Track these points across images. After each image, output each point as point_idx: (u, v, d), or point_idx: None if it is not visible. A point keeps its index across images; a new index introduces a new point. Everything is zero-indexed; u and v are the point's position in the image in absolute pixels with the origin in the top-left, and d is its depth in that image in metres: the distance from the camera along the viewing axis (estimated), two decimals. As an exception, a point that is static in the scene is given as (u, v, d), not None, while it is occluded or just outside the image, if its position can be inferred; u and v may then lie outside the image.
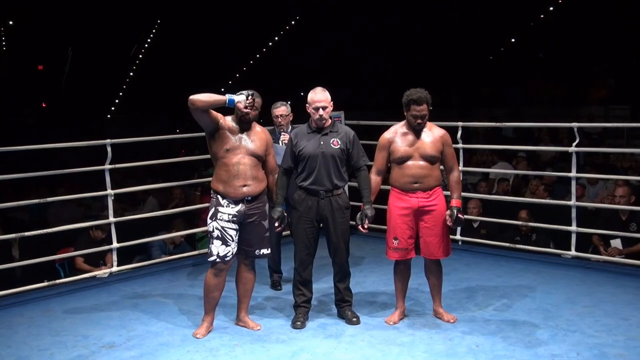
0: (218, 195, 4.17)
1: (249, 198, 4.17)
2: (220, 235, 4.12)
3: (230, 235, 4.14)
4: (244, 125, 4.17)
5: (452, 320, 4.37)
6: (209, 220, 4.19)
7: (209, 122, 4.10)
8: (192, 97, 3.97)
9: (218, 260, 4.14)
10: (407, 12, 17.77)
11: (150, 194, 8.68)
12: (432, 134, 4.27)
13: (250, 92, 4.09)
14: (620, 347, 3.91)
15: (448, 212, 4.26)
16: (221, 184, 4.15)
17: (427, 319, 4.45)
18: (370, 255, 6.02)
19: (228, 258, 4.15)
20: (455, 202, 4.26)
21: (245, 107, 4.08)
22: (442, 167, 4.36)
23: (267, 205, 4.30)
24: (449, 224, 4.26)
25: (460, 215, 4.24)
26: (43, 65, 22.12)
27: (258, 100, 4.17)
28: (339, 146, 4.31)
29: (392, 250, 4.33)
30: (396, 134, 4.30)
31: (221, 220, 4.13)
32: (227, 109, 4.15)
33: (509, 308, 4.61)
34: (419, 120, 4.21)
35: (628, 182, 6.50)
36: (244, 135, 4.16)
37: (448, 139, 4.33)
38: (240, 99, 4.07)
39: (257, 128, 4.26)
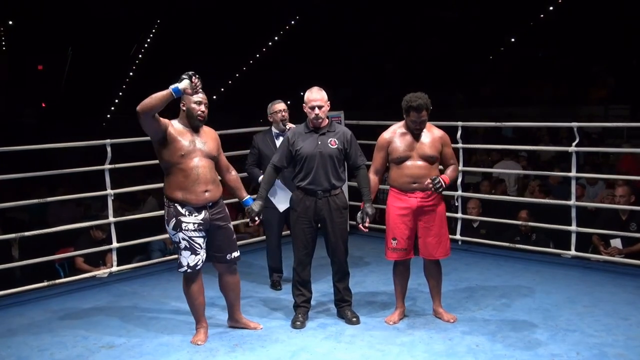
0: (176, 204, 3.95)
1: (211, 204, 4.02)
2: (188, 246, 3.97)
3: (199, 244, 3.99)
4: (196, 125, 3.99)
5: (451, 320, 4.37)
6: (171, 231, 4.00)
7: (158, 129, 3.88)
8: (139, 107, 3.75)
9: (189, 270, 4.00)
10: (407, 12, 17.77)
11: (150, 194, 8.67)
12: (431, 134, 4.27)
13: (190, 73, 3.84)
14: (620, 346, 3.91)
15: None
16: (180, 191, 3.94)
17: (427, 318, 4.45)
18: (370, 255, 6.02)
19: (199, 266, 4.02)
20: (444, 177, 4.18)
21: (194, 90, 3.86)
22: (441, 166, 4.36)
23: (226, 208, 4.18)
24: (427, 184, 4.12)
25: (442, 180, 4.10)
26: (43, 65, 22.15)
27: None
28: (336, 146, 4.30)
29: (391, 250, 4.32)
30: (395, 134, 4.30)
31: (187, 230, 3.95)
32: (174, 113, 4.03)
33: (508, 308, 4.61)
34: (418, 126, 4.21)
35: (628, 182, 6.49)
36: (196, 138, 3.99)
37: (447, 139, 4.34)
38: (185, 84, 3.81)
39: (205, 128, 4.09)
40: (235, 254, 4.17)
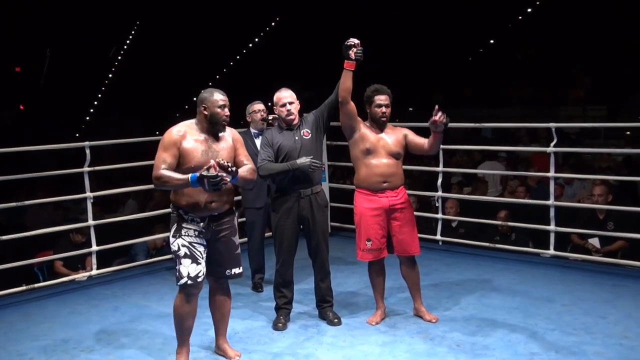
0: (180, 210, 3.69)
1: (216, 214, 3.73)
2: (188, 253, 3.64)
3: (199, 252, 3.67)
4: (218, 131, 3.69)
5: (433, 320, 4.39)
6: (171, 239, 3.70)
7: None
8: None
9: (189, 282, 3.62)
10: (388, 13, 17.84)
11: (129, 196, 8.61)
12: (393, 132, 4.36)
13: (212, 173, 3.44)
14: (599, 344, 3.96)
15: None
16: (184, 197, 3.66)
17: (408, 319, 4.47)
18: (351, 256, 5.97)
19: (200, 278, 3.65)
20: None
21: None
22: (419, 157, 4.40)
23: (236, 219, 3.89)
24: (437, 118, 4.11)
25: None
26: (21, 67, 21.89)
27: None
28: (309, 135, 4.33)
29: (364, 251, 4.33)
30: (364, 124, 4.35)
31: (187, 236, 3.66)
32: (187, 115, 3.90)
33: (488, 307, 4.65)
34: (383, 110, 4.26)
35: (606, 181, 6.56)
36: (211, 147, 3.67)
37: (408, 130, 4.43)
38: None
39: (226, 131, 3.79)
40: (237, 270, 3.84)
